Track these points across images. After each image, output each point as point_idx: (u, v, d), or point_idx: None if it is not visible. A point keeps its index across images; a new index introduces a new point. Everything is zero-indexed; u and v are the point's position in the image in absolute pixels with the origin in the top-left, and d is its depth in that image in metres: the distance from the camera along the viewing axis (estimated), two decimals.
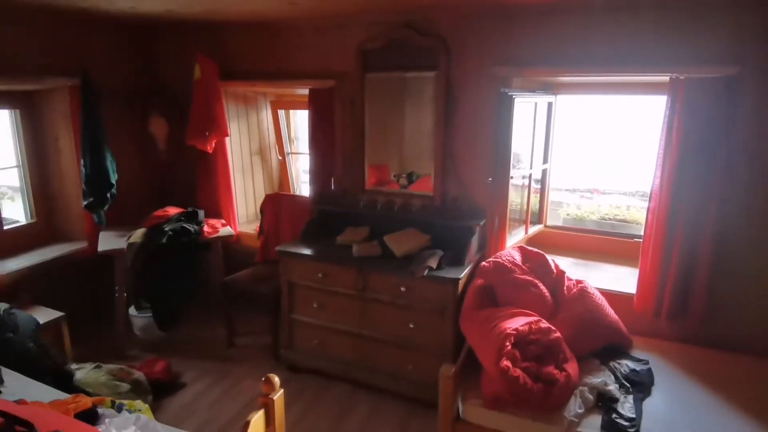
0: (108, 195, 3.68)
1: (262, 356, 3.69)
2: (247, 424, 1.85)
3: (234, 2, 2.95)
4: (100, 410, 2.09)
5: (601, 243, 3.59)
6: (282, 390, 2.01)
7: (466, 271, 2.98)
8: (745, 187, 2.77)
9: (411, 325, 3.02)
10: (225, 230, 3.91)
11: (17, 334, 2.86)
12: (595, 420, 2.24)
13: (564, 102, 3.61)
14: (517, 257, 2.92)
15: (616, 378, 2.49)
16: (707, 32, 2.69)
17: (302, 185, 4.89)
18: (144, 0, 2.98)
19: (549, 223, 3.82)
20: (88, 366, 3.09)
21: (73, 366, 3.09)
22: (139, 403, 2.41)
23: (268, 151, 4.74)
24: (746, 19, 2.61)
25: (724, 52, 2.66)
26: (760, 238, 2.79)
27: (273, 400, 1.96)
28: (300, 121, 4.78)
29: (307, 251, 3.33)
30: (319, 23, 3.63)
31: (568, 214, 4.03)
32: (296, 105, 4.52)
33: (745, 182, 2.76)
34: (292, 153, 4.79)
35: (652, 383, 2.50)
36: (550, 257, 2.98)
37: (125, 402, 2.37)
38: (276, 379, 1.99)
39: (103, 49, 4.01)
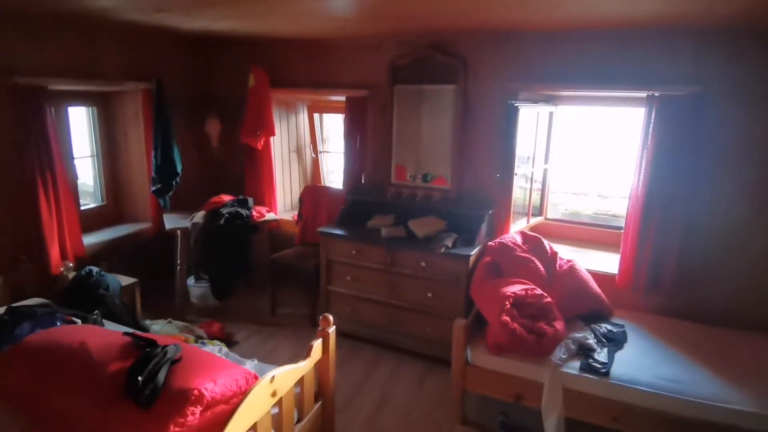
0: (174, 182, 4.33)
1: (300, 323, 4.31)
2: (311, 347, 2.48)
3: (293, 23, 3.59)
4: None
5: (593, 233, 4.18)
6: (334, 326, 2.64)
7: (476, 250, 3.60)
8: (708, 184, 3.36)
9: (429, 294, 3.65)
10: (270, 216, 4.56)
11: (108, 291, 3.53)
12: (575, 364, 2.84)
13: (562, 111, 4.21)
14: (519, 239, 3.53)
15: (596, 335, 3.09)
16: (676, 57, 3.31)
17: (331, 179, 5.54)
18: (217, 21, 3.65)
19: (549, 215, 4.42)
20: (161, 321, 3.75)
21: (147, 322, 3.74)
22: (216, 342, 3.05)
23: (303, 149, 5.40)
24: (707, 47, 3.22)
25: (689, 74, 3.27)
26: (721, 229, 3.38)
27: (328, 333, 2.59)
28: (331, 123, 5.43)
29: (343, 233, 3.96)
30: (356, 42, 4.28)
31: (566, 209, 4.62)
32: (329, 109, 5.17)
33: (708, 181, 3.36)
34: (323, 151, 5.44)
35: (625, 341, 3.09)
36: (545, 241, 3.59)
37: (205, 340, 3.02)
38: (331, 318, 2.62)
39: (171, 58, 4.69)
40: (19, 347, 2.42)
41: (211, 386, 2.04)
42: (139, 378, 1.99)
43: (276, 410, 2.26)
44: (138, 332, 2.50)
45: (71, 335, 2.46)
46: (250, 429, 2.03)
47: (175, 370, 2.10)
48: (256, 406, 2.02)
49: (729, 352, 2.97)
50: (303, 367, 2.39)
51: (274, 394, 2.15)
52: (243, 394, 2.08)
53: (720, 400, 2.53)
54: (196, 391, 1.97)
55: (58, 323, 2.72)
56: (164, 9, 3.18)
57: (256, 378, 2.25)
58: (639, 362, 2.86)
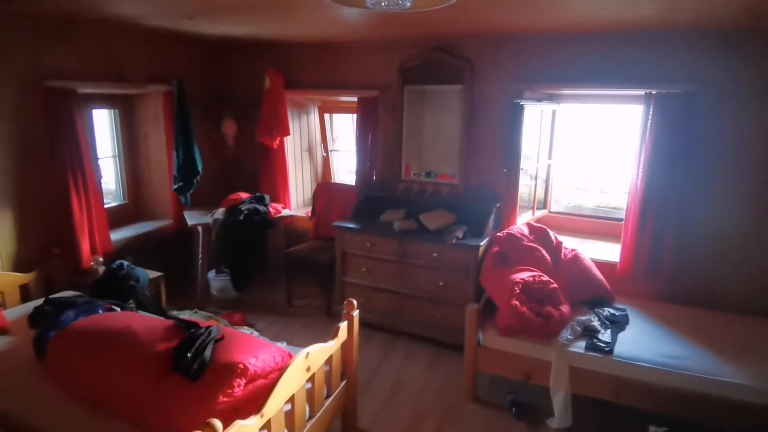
0: (195, 181, 4.53)
1: (315, 314, 4.52)
2: (338, 328, 2.69)
3: (308, 27, 3.80)
4: None
5: (594, 225, 4.39)
6: (358, 310, 2.85)
7: (484, 241, 3.81)
8: (700, 177, 3.58)
9: (440, 283, 3.86)
10: (285, 212, 4.77)
11: (139, 283, 3.73)
12: (581, 344, 3.05)
13: (565, 109, 4.42)
14: (525, 230, 3.75)
15: (599, 318, 3.30)
16: (671, 58, 3.52)
17: (341, 177, 5.74)
18: (238, 27, 3.86)
19: (552, 209, 4.64)
20: (187, 312, 3.96)
21: (174, 312, 3.94)
22: (245, 327, 3.26)
23: (315, 148, 5.61)
24: (700, 48, 3.43)
25: (684, 73, 3.48)
26: (713, 219, 3.60)
27: (353, 316, 2.80)
28: (340, 123, 5.64)
29: (357, 226, 4.17)
30: (368, 45, 4.48)
31: (569, 203, 4.84)
32: (339, 109, 5.38)
33: (700, 173, 3.57)
34: (333, 150, 5.64)
35: (627, 323, 3.30)
36: (551, 231, 3.80)
37: (235, 327, 3.22)
38: (354, 302, 2.83)
39: (190, 62, 4.90)
40: (67, 332, 2.63)
41: (254, 361, 2.25)
42: (188, 354, 2.19)
43: (309, 385, 2.46)
44: (179, 317, 2.70)
45: (115, 320, 2.68)
46: (287, 401, 2.24)
47: (219, 348, 2.31)
48: (294, 379, 2.22)
49: (723, 333, 3.18)
50: (332, 347, 2.60)
51: (308, 370, 2.35)
52: (280, 370, 2.29)
53: (713, 374, 2.74)
54: (241, 365, 2.18)
55: (99, 311, 2.92)
56: (192, 16, 3.38)
57: (290, 356, 2.46)
58: (640, 342, 3.07)
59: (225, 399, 2.11)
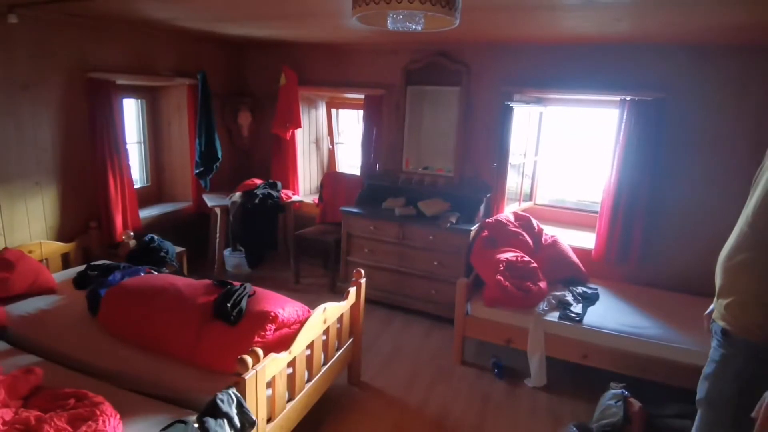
0: (214, 166, 4.98)
1: (321, 291, 4.98)
2: (348, 292, 3.16)
3: (323, 31, 4.25)
4: None
5: (575, 217, 4.89)
6: (365, 278, 3.32)
7: (475, 226, 4.30)
8: (669, 174, 4.07)
9: (435, 263, 4.33)
10: (295, 197, 5.23)
11: (168, 254, 4.18)
12: (555, 314, 3.54)
13: (551, 112, 4.91)
14: (511, 218, 4.24)
15: (573, 295, 3.79)
16: (643, 68, 4.01)
17: (343, 168, 6.20)
18: (261, 29, 4.31)
19: (538, 201, 5.13)
20: None
21: None
22: None
23: (322, 140, 6.07)
24: (669, 61, 3.92)
25: (655, 81, 3.97)
26: (678, 212, 4.09)
27: (360, 283, 3.27)
28: (345, 118, 6.10)
29: (362, 212, 4.64)
30: (375, 47, 4.95)
31: (553, 197, 5.33)
32: (346, 105, 5.85)
33: (669, 171, 4.06)
34: (338, 143, 6.11)
35: (597, 299, 3.79)
36: (534, 220, 4.29)
37: None
38: (362, 271, 3.31)
39: (211, 58, 5.35)
40: (118, 289, 3.08)
41: (282, 311, 2.72)
42: (227, 304, 2.66)
43: (324, 337, 2.93)
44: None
45: (159, 279, 3.14)
46: (308, 346, 2.71)
47: (252, 301, 2.78)
48: (314, 327, 2.70)
49: (679, 310, 3.67)
50: (343, 305, 3.07)
51: (324, 322, 2.83)
52: (301, 322, 2.76)
53: (666, 340, 3.24)
54: (272, 313, 2.66)
55: (142, 273, 3.38)
56: (223, 20, 3.84)
57: (308, 311, 2.93)
58: (607, 314, 3.56)
59: (259, 340, 2.58)
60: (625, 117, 4.02)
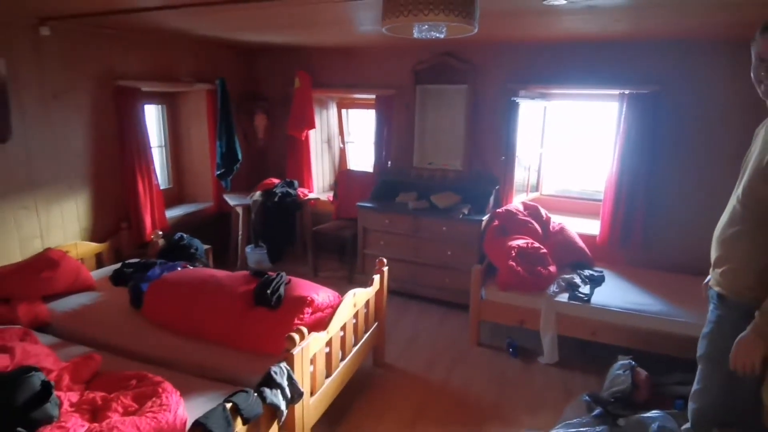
0: (234, 168, 5.23)
1: (339, 283, 5.20)
2: (373, 279, 3.41)
3: (337, 36, 4.49)
4: None
5: (579, 206, 5.14)
6: (387, 267, 3.57)
7: (486, 217, 4.54)
8: (665, 163, 4.32)
9: (448, 253, 4.58)
10: (312, 195, 5.48)
11: (197, 251, 4.43)
12: (565, 295, 3.78)
13: (554, 106, 5.16)
14: (520, 207, 4.48)
15: (581, 277, 4.03)
16: (640, 63, 4.26)
17: (353, 166, 6.43)
18: (278, 36, 4.55)
19: (544, 191, 5.38)
20: None
21: None
22: None
23: (333, 140, 6.31)
24: (664, 57, 4.17)
25: (651, 76, 4.22)
26: (674, 197, 4.35)
27: (383, 271, 3.52)
28: (355, 118, 6.34)
29: (376, 206, 4.89)
30: (385, 49, 5.19)
31: (558, 187, 5.57)
32: (356, 105, 6.09)
33: (665, 160, 4.31)
34: (349, 142, 6.35)
35: (603, 281, 4.03)
36: (542, 209, 4.54)
37: None
38: (385, 260, 3.55)
39: (227, 63, 5.59)
40: (161, 282, 3.32)
41: (316, 296, 2.98)
42: (267, 291, 2.91)
43: (354, 320, 3.18)
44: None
45: (198, 272, 3.39)
46: (341, 329, 2.95)
47: (288, 288, 3.03)
48: (347, 309, 2.94)
49: (678, 288, 3.90)
50: (370, 291, 3.32)
51: (354, 306, 3.07)
52: (332, 307, 3.01)
53: (667, 315, 3.49)
54: (309, 297, 2.91)
55: (179, 268, 3.62)
56: (243, 29, 4.08)
57: (339, 297, 3.17)
58: (613, 294, 3.81)
59: (298, 322, 2.82)
60: (624, 109, 4.26)
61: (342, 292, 3.17)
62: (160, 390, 2.37)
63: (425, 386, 3.51)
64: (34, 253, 3.76)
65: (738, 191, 2.02)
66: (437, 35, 2.24)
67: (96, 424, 2.13)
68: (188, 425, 2.14)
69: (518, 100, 4.57)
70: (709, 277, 2.22)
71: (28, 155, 3.75)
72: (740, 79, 3.93)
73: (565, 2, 2.65)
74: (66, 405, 2.28)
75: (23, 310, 3.19)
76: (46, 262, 3.55)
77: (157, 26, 4.04)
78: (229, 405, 2.00)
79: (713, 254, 2.12)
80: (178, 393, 2.39)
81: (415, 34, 2.25)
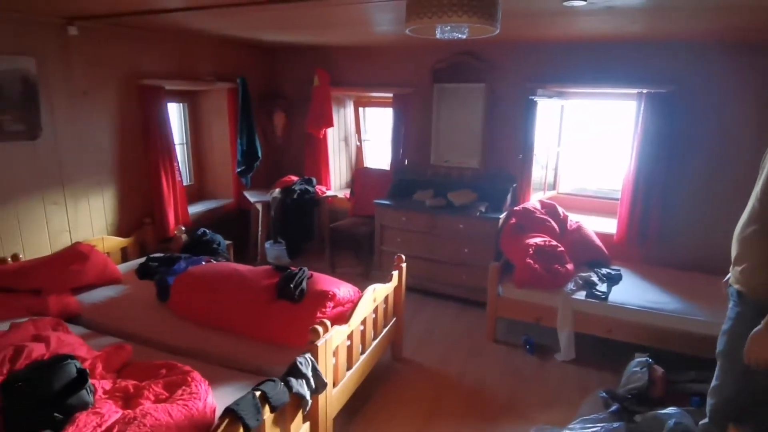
0: (255, 165, 5.32)
1: (356, 279, 5.25)
2: (392, 275, 3.48)
3: (355, 36, 4.56)
4: None
5: (596, 204, 5.15)
6: (405, 263, 3.63)
7: (503, 214, 4.59)
8: (682, 162, 4.33)
9: (465, 250, 4.63)
10: (329, 192, 5.55)
11: (220, 246, 4.52)
12: (582, 293, 3.82)
13: (571, 105, 5.18)
14: (538, 205, 4.52)
15: (598, 275, 4.05)
16: (659, 63, 4.27)
17: (369, 164, 6.50)
18: (296, 36, 4.63)
19: (561, 190, 5.40)
20: None
21: None
22: None
23: (350, 138, 6.38)
24: (680, 54, 4.18)
25: (667, 76, 4.23)
26: (690, 196, 4.36)
27: (402, 267, 3.58)
28: (371, 116, 6.40)
29: (393, 204, 4.95)
30: (404, 48, 5.25)
31: (575, 185, 5.59)
32: (372, 104, 6.15)
33: (682, 159, 4.32)
34: (365, 140, 6.41)
35: (620, 279, 4.05)
36: (559, 207, 4.57)
37: None
38: (403, 257, 3.61)
39: (247, 62, 5.68)
40: (187, 276, 3.41)
41: (338, 291, 3.05)
42: (290, 285, 2.99)
43: (374, 315, 3.25)
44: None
45: (223, 266, 3.48)
46: (361, 323, 3.02)
47: (310, 282, 3.11)
48: (367, 304, 3.01)
49: (694, 286, 3.92)
50: (389, 287, 3.39)
51: (374, 301, 3.14)
52: (353, 302, 3.07)
53: (683, 313, 3.50)
54: (331, 292, 2.98)
55: (203, 262, 3.72)
56: (264, 29, 4.16)
57: (359, 292, 3.24)
58: (630, 292, 3.83)
59: (320, 315, 2.90)
60: (642, 108, 4.28)
61: (359, 287, 3.24)
62: (190, 379, 2.45)
63: (441, 381, 3.57)
64: (63, 246, 3.87)
65: (756, 190, 2.05)
66: (459, 36, 2.29)
67: (129, 411, 2.22)
68: (217, 413, 2.22)
69: (536, 98, 4.60)
70: (729, 275, 2.25)
71: (57, 152, 3.87)
72: (755, 80, 3.95)
73: (584, 3, 2.68)
74: (99, 392, 2.37)
75: (53, 301, 3.29)
76: (76, 255, 3.66)
77: (180, 26, 4.14)
78: (258, 393, 2.08)
79: (733, 252, 2.15)
80: (207, 382, 2.47)
81: (438, 35, 2.31)
